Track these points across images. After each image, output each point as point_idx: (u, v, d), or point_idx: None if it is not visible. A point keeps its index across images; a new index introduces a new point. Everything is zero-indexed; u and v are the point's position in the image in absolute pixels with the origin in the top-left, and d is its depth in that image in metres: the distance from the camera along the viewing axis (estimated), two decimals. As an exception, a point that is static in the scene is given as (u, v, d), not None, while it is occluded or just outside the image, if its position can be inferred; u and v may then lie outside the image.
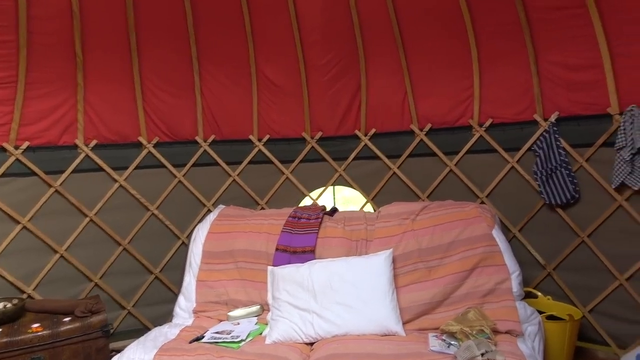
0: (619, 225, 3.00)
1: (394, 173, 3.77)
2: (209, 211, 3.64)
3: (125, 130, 3.55)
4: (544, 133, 3.23)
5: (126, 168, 3.54)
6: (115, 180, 3.50)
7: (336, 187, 4.06)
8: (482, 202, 3.46)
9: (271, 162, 3.90)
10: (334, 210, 3.33)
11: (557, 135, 3.17)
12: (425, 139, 3.65)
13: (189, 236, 3.41)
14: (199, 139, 3.75)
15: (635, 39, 2.80)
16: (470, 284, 2.73)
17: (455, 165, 3.58)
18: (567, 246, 3.22)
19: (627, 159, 2.83)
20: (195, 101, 3.71)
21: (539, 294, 3.22)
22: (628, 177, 2.86)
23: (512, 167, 3.40)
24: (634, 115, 2.81)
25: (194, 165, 3.74)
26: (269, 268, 2.93)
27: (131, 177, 3.55)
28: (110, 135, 3.50)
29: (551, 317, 2.98)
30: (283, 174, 3.92)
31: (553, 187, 3.20)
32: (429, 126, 3.64)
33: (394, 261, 2.79)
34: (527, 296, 3.05)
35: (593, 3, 2.83)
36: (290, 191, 3.94)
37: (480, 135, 3.47)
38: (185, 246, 3.58)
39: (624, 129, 2.84)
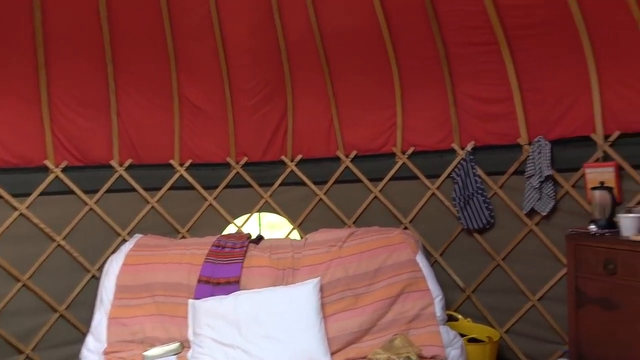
0: (530, 249, 3.19)
1: (320, 199, 3.76)
2: (124, 241, 3.39)
3: (29, 152, 3.24)
4: (462, 161, 3.39)
5: (29, 194, 3.21)
6: (16, 209, 3.16)
7: (262, 213, 3.97)
8: (406, 228, 3.54)
9: (193, 188, 3.73)
10: (260, 238, 3.24)
11: (473, 164, 3.34)
12: (351, 166, 3.70)
13: (101, 269, 3.14)
14: (114, 163, 3.51)
15: (541, 75, 3.04)
16: (397, 310, 2.76)
17: (380, 191, 3.64)
18: (484, 269, 3.37)
19: (536, 187, 3.04)
20: (111, 123, 3.48)
21: (460, 316, 3.33)
22: (537, 203, 3.07)
23: (433, 193, 3.52)
24: (541, 145, 3.03)
25: (107, 191, 3.47)
26: (190, 301, 2.75)
27: (35, 205, 3.23)
28: (11, 158, 3.17)
29: (472, 340, 3.07)
30: (206, 200, 3.76)
31: (470, 213, 3.35)
32: (354, 153, 3.69)
33: (321, 290, 2.74)
34: (449, 319, 3.13)
35: (504, 41, 3.05)
36: (214, 218, 3.77)
37: (403, 163, 3.58)
38: (96, 280, 3.28)
39: (533, 158, 3.06)
